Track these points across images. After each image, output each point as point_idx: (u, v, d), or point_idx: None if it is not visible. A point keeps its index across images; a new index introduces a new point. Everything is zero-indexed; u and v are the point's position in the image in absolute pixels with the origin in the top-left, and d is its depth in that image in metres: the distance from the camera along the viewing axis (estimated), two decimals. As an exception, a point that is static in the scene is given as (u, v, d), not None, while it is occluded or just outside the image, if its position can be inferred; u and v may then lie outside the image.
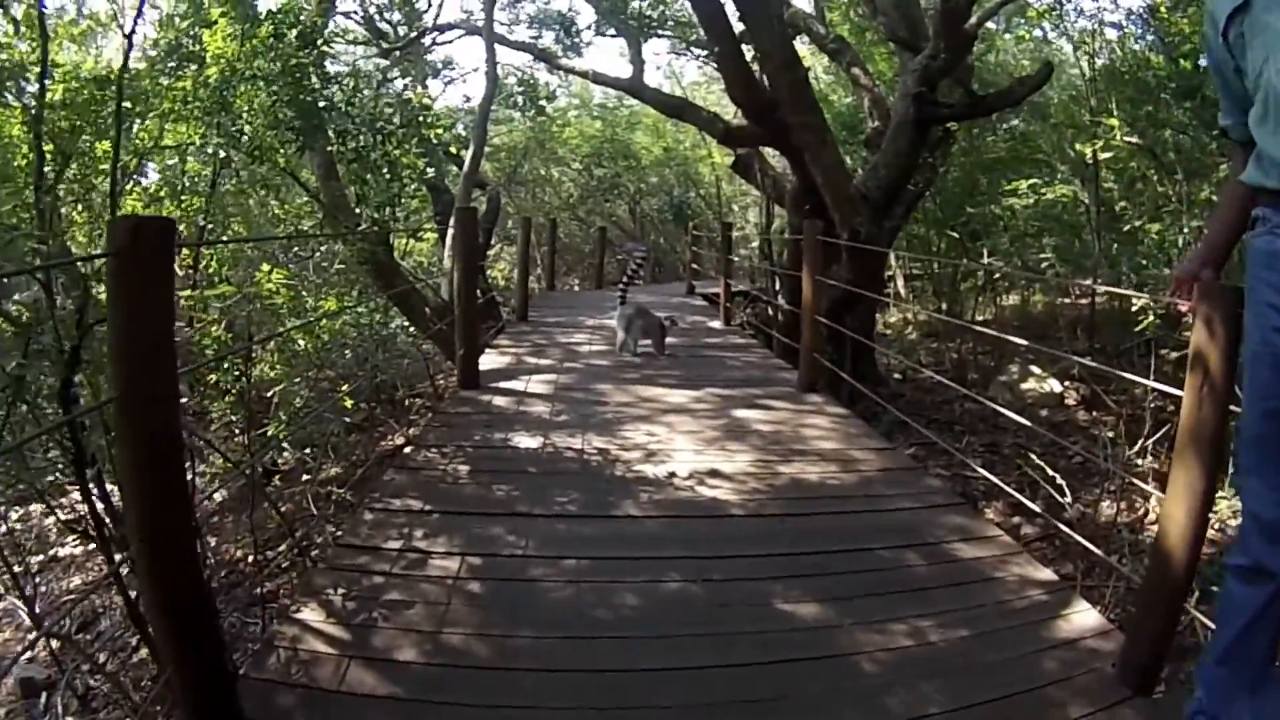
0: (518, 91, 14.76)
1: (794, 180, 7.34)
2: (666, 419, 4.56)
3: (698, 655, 2.24)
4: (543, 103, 14.83)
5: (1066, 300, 12.45)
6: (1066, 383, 9.21)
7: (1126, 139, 10.43)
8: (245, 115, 5.35)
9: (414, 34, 11.40)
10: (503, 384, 5.34)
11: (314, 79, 5.40)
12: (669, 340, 6.70)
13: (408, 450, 3.80)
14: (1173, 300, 2.32)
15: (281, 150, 5.69)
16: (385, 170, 5.77)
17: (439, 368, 8.05)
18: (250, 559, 5.60)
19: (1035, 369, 9.37)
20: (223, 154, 5.48)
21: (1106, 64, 10.31)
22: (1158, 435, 6.34)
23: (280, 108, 5.28)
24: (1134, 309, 10.28)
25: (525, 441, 4.01)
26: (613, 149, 18.19)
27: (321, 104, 5.51)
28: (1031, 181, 7.17)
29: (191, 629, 1.83)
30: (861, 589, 2.64)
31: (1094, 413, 8.72)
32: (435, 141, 6.05)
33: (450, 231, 6.42)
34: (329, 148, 5.90)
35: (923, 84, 6.97)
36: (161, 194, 6.04)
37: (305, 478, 7.40)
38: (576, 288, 17.61)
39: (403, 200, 6.16)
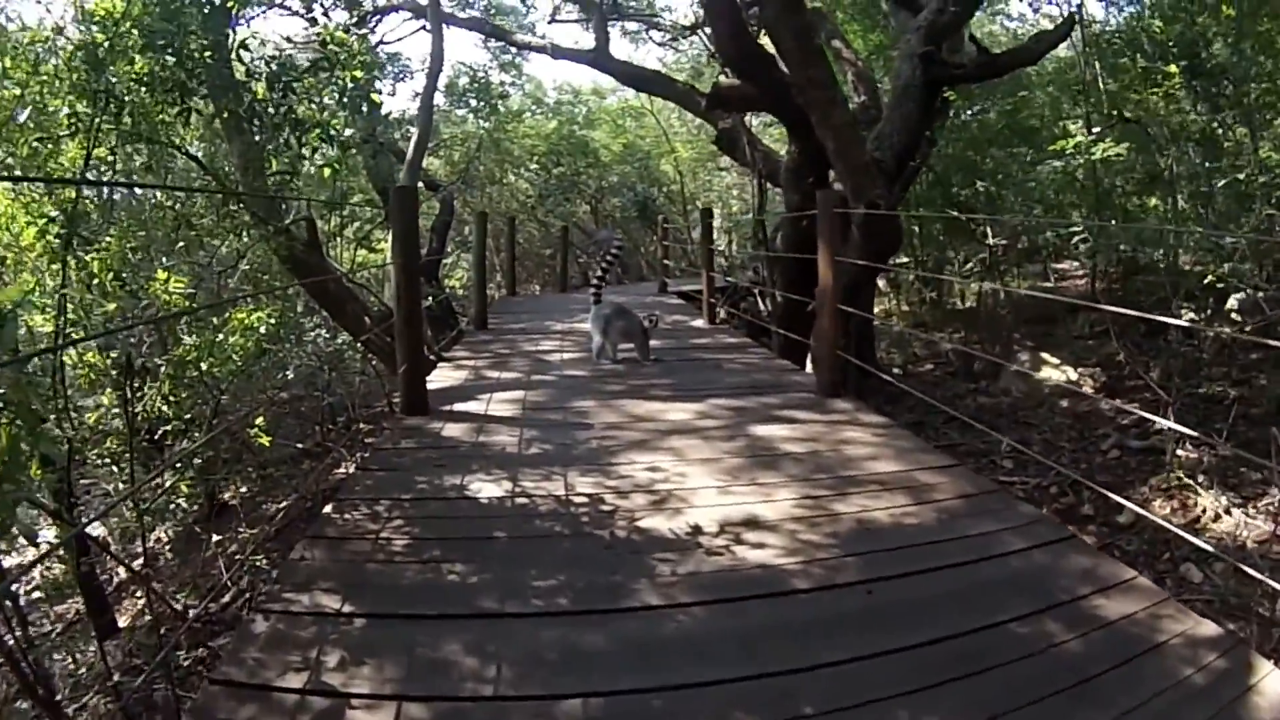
0: (470, 92, 13.82)
1: (793, 151, 6.38)
2: (670, 443, 3.55)
3: None
4: (496, 102, 13.92)
5: (1046, 284, 11.73)
6: (1080, 370, 8.41)
7: (1113, 112, 9.76)
8: (116, 72, 4.21)
9: (354, 18, 10.17)
10: (458, 406, 4.28)
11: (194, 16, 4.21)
12: (652, 343, 5.71)
13: (327, 510, 2.74)
14: None
15: (162, 113, 4.51)
16: (287, 130, 4.62)
17: (395, 384, 7.06)
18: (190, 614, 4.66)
19: (1048, 356, 8.56)
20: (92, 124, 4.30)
21: (1096, 33, 9.63)
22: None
23: (156, 58, 4.14)
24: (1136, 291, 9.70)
25: (487, 489, 2.96)
26: (570, 146, 17.21)
27: (208, 52, 4.35)
28: (1076, 140, 6.29)
29: None
30: (1018, 692, 1.81)
31: (1116, 401, 7.94)
32: (351, 84, 4.89)
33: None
34: (227, 110, 4.72)
35: (929, 42, 6.08)
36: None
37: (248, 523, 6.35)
38: (537, 293, 16.51)
39: (310, 162, 4.98)
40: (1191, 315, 9.02)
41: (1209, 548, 2.98)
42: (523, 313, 9.17)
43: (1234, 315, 8.58)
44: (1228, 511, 5.79)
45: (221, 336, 5.05)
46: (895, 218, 5.49)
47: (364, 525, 2.58)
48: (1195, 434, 2.78)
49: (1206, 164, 9.25)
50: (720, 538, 2.51)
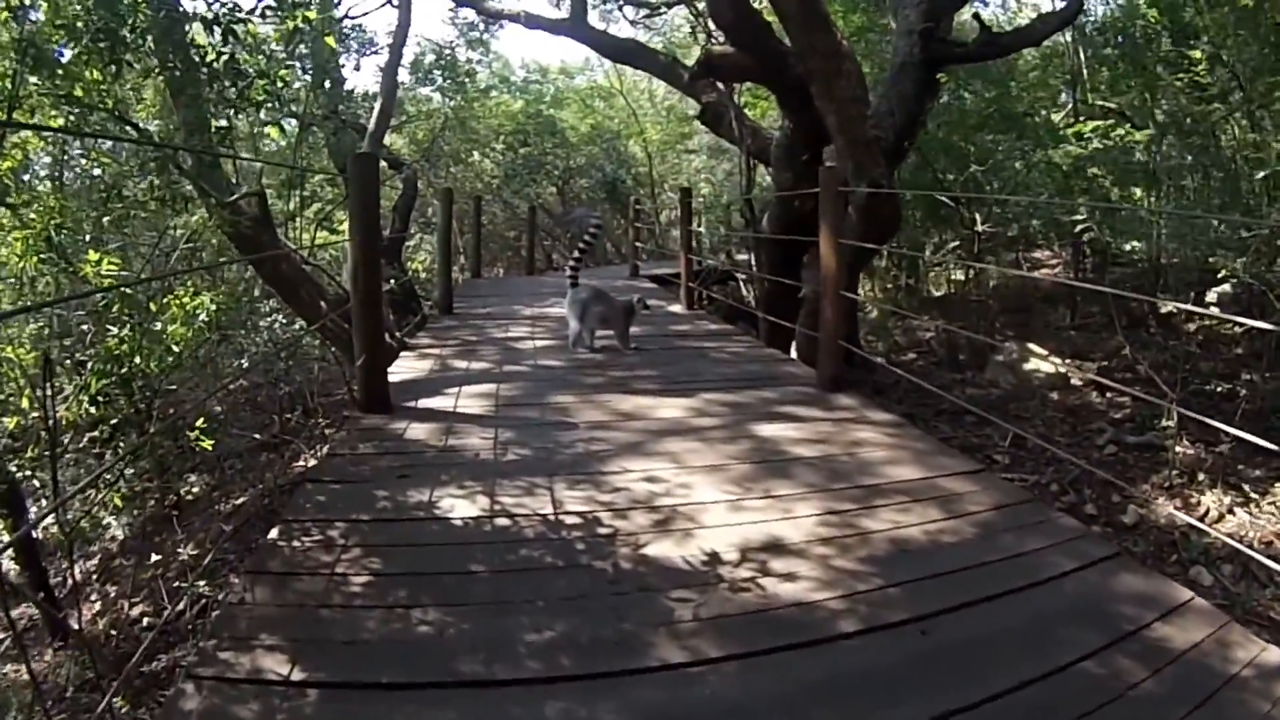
0: (436, 68, 13.24)
1: (786, 126, 5.98)
2: (666, 446, 3.16)
3: None
4: (463, 79, 13.37)
5: (1015, 274, 11.56)
6: (1068, 361, 8.18)
7: (1101, 103, 9.56)
8: (47, 20, 3.65)
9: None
10: (422, 402, 3.83)
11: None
12: (631, 330, 5.32)
13: (273, 535, 2.28)
14: None
15: (90, 64, 3.92)
16: (227, 80, 4.05)
17: (354, 373, 6.61)
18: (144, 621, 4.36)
19: (1034, 347, 8.32)
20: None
21: (1081, 23, 9.40)
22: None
23: (80, 5, 3.58)
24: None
25: (460, 506, 2.52)
26: (538, 126, 16.66)
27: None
28: (1095, 124, 5.99)
29: None
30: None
31: (1106, 395, 7.73)
32: (308, 24, 4.32)
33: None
34: (167, 65, 4.12)
35: (929, 19, 5.75)
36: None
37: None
38: (501, 274, 15.94)
39: (254, 119, 4.38)
40: (1172, 307, 8.90)
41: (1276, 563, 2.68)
42: (490, 296, 8.72)
43: (1214, 308, 8.44)
44: (1231, 511, 5.61)
45: (160, 325, 4.55)
46: (896, 198, 5.15)
47: (316, 556, 2.13)
48: (1233, 431, 2.48)
49: (1188, 156, 9.11)
50: (742, 567, 2.13)
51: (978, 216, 8.16)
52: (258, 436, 7.23)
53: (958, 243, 10.46)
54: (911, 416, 6.99)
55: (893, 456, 3.14)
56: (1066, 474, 6.21)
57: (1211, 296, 8.85)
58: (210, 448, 3.69)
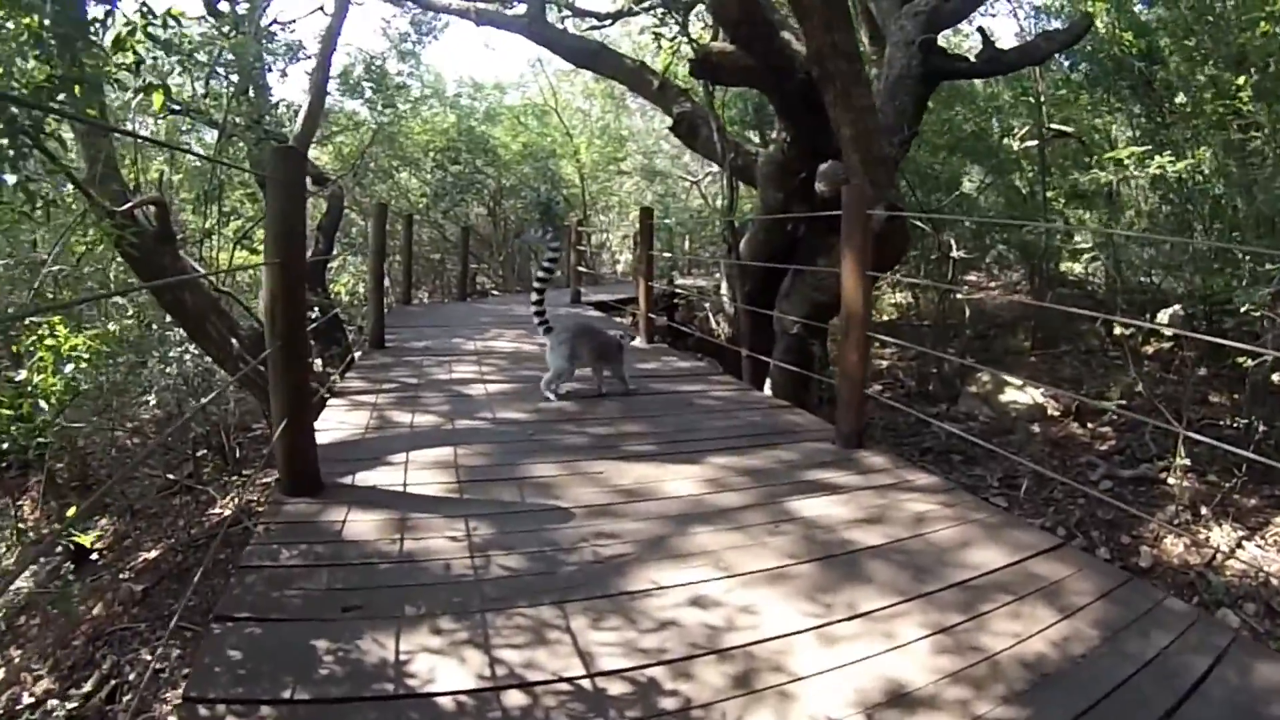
0: (365, 80, 12.38)
1: (783, 139, 5.32)
2: (696, 540, 2.44)
3: None
4: (392, 93, 12.57)
5: (960, 296, 11.36)
6: (1041, 391, 7.80)
7: (1053, 126, 9.42)
8: None
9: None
10: (361, 476, 2.99)
11: None
12: (586, 371, 4.62)
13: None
14: None
15: None
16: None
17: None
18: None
19: (1009, 378, 7.92)
20: None
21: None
22: None
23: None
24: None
25: (443, 671, 1.70)
26: (470, 143, 15.79)
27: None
28: (1131, 150, 5.60)
29: None
30: None
31: (1089, 425, 7.37)
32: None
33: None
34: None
35: (929, 30, 5.30)
36: None
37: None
38: (426, 300, 14.88)
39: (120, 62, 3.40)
40: (1120, 329, 8.75)
41: None
42: (424, 326, 7.86)
43: (1165, 330, 8.26)
44: (1240, 545, 5.28)
45: (24, 374, 3.62)
46: (907, 222, 4.59)
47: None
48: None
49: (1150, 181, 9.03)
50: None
51: (953, 241, 7.76)
52: (171, 477, 6.31)
53: (898, 266, 10.11)
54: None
55: (964, 536, 2.55)
56: (1069, 515, 5.77)
57: (1163, 317, 8.71)
58: (89, 543, 2.79)
